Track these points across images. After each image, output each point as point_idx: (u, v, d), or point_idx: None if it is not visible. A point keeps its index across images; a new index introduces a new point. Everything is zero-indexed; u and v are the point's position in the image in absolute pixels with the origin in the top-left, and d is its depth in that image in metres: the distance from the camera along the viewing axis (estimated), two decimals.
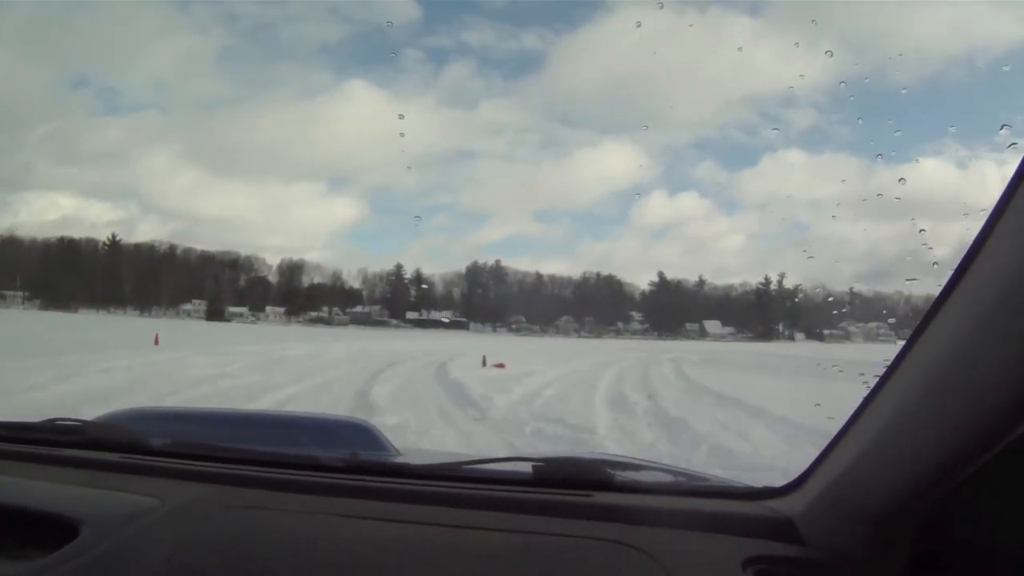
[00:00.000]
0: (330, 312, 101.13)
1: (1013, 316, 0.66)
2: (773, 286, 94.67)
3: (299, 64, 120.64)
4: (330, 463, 1.30)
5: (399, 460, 1.45)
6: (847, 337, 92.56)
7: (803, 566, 0.96)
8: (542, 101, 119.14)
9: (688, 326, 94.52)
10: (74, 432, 1.44)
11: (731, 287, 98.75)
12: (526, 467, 1.23)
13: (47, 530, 1.03)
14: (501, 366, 16.78)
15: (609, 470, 1.24)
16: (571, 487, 1.17)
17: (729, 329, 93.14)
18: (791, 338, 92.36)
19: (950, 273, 0.77)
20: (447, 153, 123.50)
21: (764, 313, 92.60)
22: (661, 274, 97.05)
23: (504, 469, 1.27)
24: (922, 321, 0.81)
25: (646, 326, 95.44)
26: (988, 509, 0.82)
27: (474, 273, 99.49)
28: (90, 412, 1.81)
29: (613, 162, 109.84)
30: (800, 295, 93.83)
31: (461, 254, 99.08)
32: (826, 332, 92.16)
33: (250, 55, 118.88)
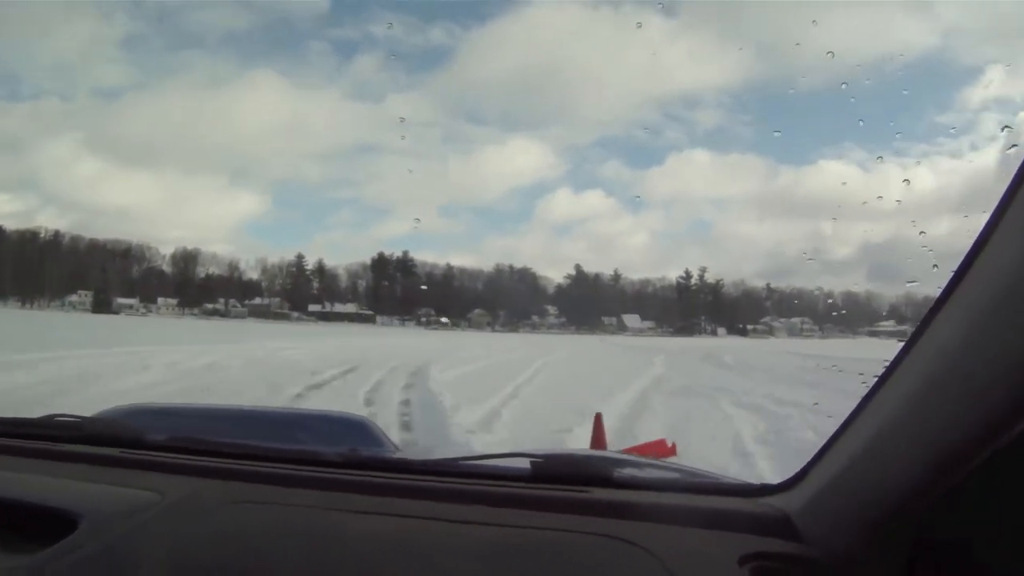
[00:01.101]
0: (226, 304, 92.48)
1: (1013, 316, 0.67)
2: (694, 280, 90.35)
3: (204, 52, 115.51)
4: (329, 458, 1.30)
5: (398, 456, 1.47)
6: (770, 332, 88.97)
7: (800, 563, 0.95)
8: (448, 96, 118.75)
9: (606, 320, 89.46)
10: (73, 428, 1.45)
11: (647, 281, 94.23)
12: (524, 463, 1.23)
13: (45, 524, 1.02)
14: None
15: (607, 466, 1.24)
16: (569, 483, 1.17)
17: (649, 323, 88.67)
18: (713, 333, 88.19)
19: (950, 274, 0.77)
20: (351, 147, 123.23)
21: (685, 307, 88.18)
22: (578, 267, 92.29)
23: (502, 465, 1.28)
24: (923, 320, 0.81)
25: (562, 320, 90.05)
26: (987, 507, 0.81)
27: (380, 264, 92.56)
28: None
29: (518, 159, 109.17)
30: (723, 288, 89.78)
31: (364, 249, 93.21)
32: (749, 327, 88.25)
33: (155, 42, 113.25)
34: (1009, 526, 0.81)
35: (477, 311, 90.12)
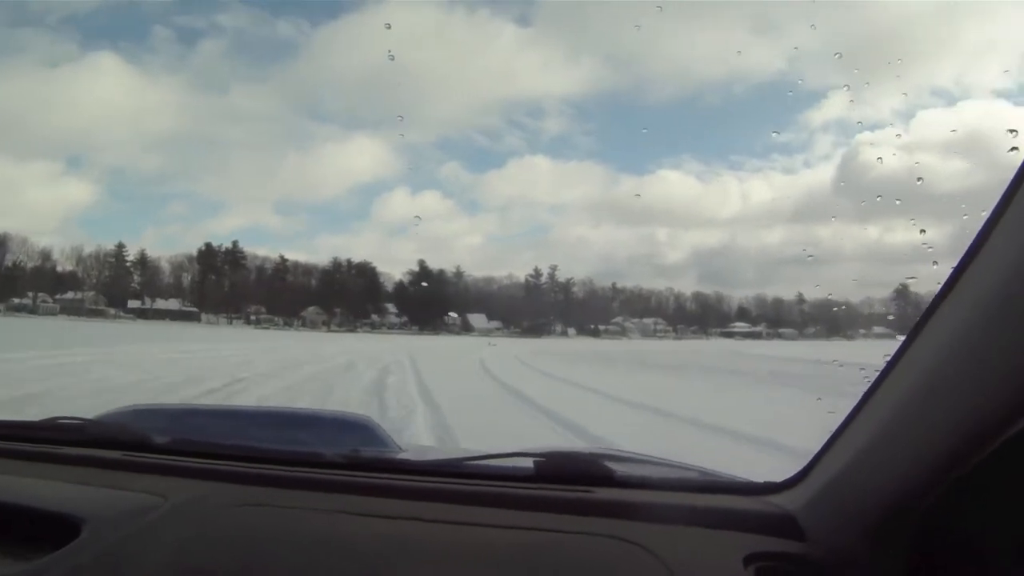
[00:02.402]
0: (35, 299, 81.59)
1: (1013, 314, 0.67)
2: (544, 279, 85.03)
3: (44, 31, 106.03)
4: (332, 459, 1.30)
5: (401, 456, 1.47)
6: (623, 333, 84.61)
7: (804, 562, 0.95)
8: (291, 91, 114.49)
9: (448, 319, 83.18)
10: (75, 430, 1.45)
11: (492, 279, 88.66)
12: (527, 463, 1.24)
13: (48, 528, 1.02)
14: None
15: (610, 465, 1.24)
16: (572, 483, 1.17)
17: (496, 323, 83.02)
18: (564, 334, 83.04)
19: (950, 271, 0.78)
20: (190, 138, 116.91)
21: (534, 307, 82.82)
22: (422, 262, 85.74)
23: (505, 465, 1.28)
24: (922, 317, 0.82)
25: (404, 319, 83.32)
26: (989, 505, 0.81)
27: (207, 256, 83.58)
28: None
29: (358, 157, 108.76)
30: (573, 287, 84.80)
31: (198, 244, 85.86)
32: (601, 328, 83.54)
33: None
34: (1011, 523, 0.80)
35: (312, 309, 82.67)
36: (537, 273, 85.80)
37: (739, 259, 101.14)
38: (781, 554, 0.96)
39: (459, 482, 1.21)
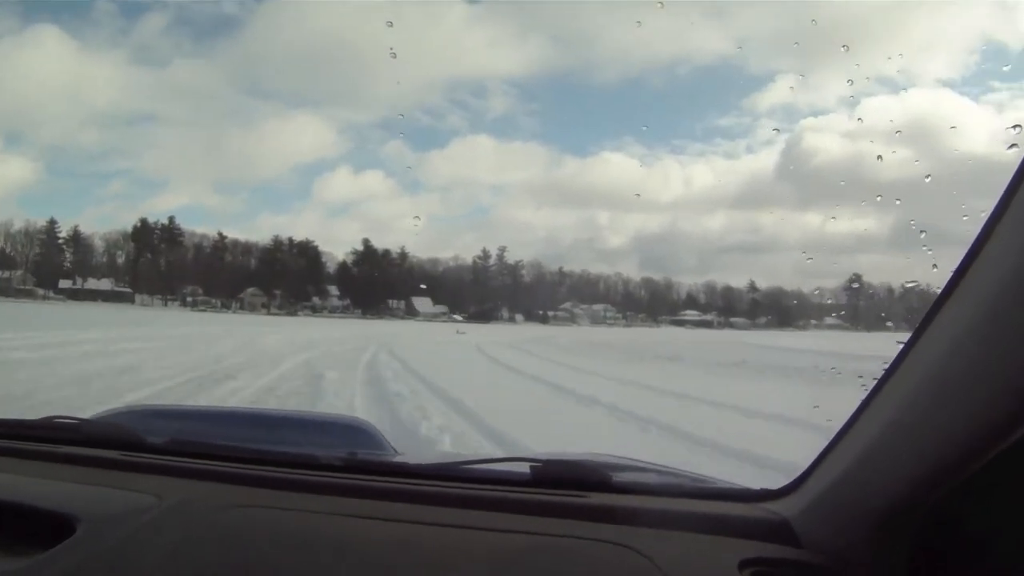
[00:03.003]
0: None
1: (1013, 316, 0.67)
2: (492, 261, 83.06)
3: None
4: (329, 462, 1.31)
5: (397, 460, 1.48)
6: (572, 319, 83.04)
7: (800, 569, 0.96)
8: (233, 68, 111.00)
9: (392, 303, 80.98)
10: (71, 430, 1.45)
11: (437, 260, 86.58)
12: (524, 467, 1.25)
13: (44, 527, 1.02)
14: None
15: (607, 471, 1.25)
16: (569, 488, 1.17)
17: (442, 308, 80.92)
18: (511, 320, 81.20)
19: (950, 274, 0.77)
20: (130, 114, 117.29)
21: (481, 291, 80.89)
22: (366, 241, 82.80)
23: (502, 469, 1.29)
24: (922, 321, 0.81)
25: (346, 302, 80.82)
26: (987, 512, 0.82)
27: (142, 234, 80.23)
28: None
29: (300, 136, 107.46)
30: (522, 270, 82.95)
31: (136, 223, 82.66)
32: (550, 314, 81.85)
33: None
34: (1010, 530, 0.80)
35: (251, 291, 79.97)
36: (485, 255, 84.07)
37: (681, 245, 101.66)
38: (777, 560, 0.96)
39: (456, 486, 1.20)
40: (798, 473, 1.10)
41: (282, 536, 1.03)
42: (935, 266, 1.36)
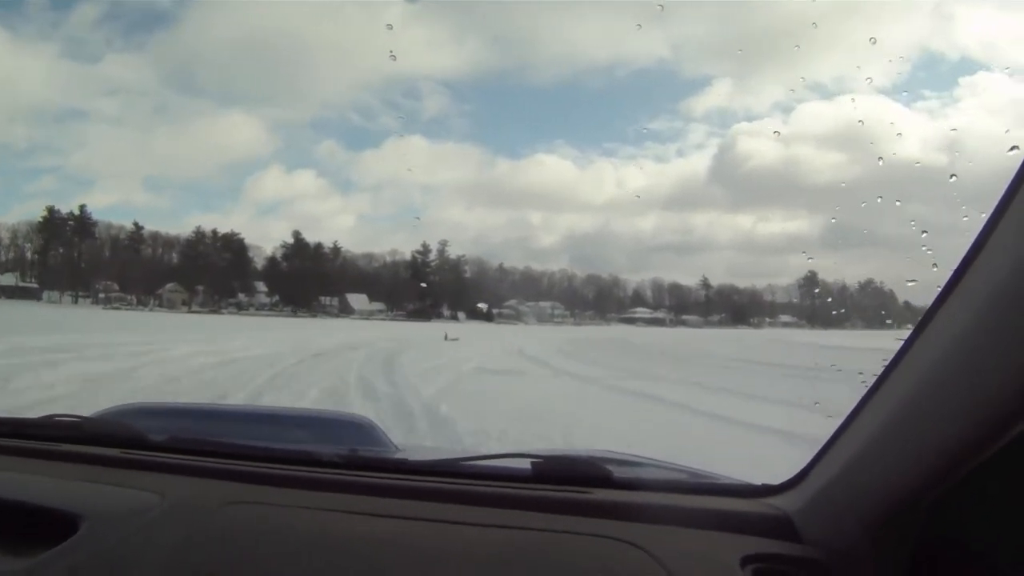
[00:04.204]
0: None
1: (1013, 315, 0.68)
2: (433, 256, 78.49)
3: None
4: (330, 459, 1.31)
5: (399, 456, 1.49)
6: (517, 317, 79.00)
7: (802, 564, 0.96)
8: (165, 63, 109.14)
9: (325, 300, 75.97)
10: (73, 428, 1.45)
11: (372, 255, 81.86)
12: (525, 463, 1.25)
13: (47, 525, 1.02)
14: None
15: (608, 467, 1.25)
16: (570, 483, 1.18)
17: (378, 305, 76.54)
18: (454, 317, 76.77)
19: (949, 273, 0.79)
20: (60, 110, 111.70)
21: (421, 288, 76.16)
22: (297, 234, 77.59)
23: (503, 465, 1.29)
24: (922, 319, 0.82)
25: (275, 299, 75.52)
26: (988, 507, 0.82)
27: (51, 225, 73.59)
28: None
29: (231, 134, 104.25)
30: (465, 266, 78.65)
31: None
32: (495, 311, 77.65)
33: None
34: (1010, 525, 0.81)
35: (170, 286, 74.26)
36: (425, 249, 79.67)
37: (613, 245, 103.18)
38: (778, 556, 0.96)
39: (456, 482, 1.21)
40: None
41: (284, 532, 1.03)
42: (935, 266, 1.37)
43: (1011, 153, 0.92)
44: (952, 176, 2.02)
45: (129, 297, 73.71)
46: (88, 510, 1.05)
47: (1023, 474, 0.75)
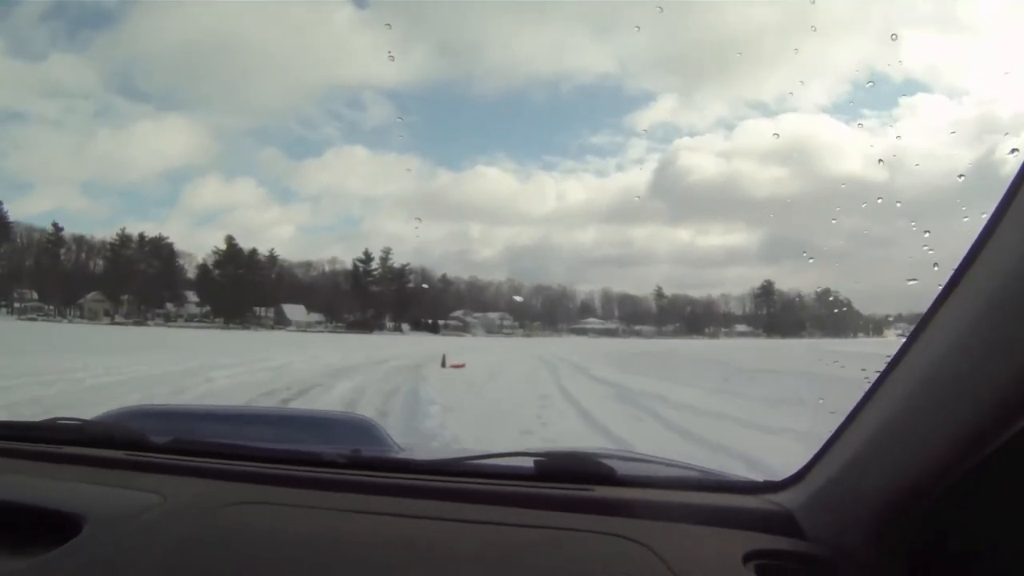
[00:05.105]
0: None
1: (1013, 315, 0.69)
2: (375, 265, 75.25)
3: None
4: (332, 459, 1.31)
5: (401, 456, 1.50)
6: (465, 328, 76.18)
7: (804, 560, 0.96)
8: (108, 66, 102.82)
9: (260, 311, 72.25)
10: (75, 431, 1.47)
11: (310, 264, 78.62)
12: (528, 462, 1.25)
13: (50, 526, 1.03)
14: None
15: (611, 464, 1.25)
16: (573, 481, 1.18)
17: (316, 316, 73.58)
18: (398, 329, 73.61)
19: (950, 273, 0.79)
20: None
21: (363, 297, 73.02)
22: (230, 239, 74.20)
23: (506, 464, 1.30)
24: (924, 318, 0.83)
25: (206, 309, 71.65)
26: (990, 503, 0.83)
27: None
28: None
29: (171, 140, 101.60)
30: (409, 275, 75.52)
31: None
32: (441, 323, 74.72)
33: None
34: (1012, 522, 0.82)
35: (92, 296, 70.00)
36: (367, 257, 76.73)
37: (552, 257, 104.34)
38: (781, 552, 0.97)
39: (460, 481, 1.21)
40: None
41: (287, 532, 1.03)
42: (936, 265, 1.41)
43: (1011, 156, 0.92)
44: (960, 176, 2.08)
45: (48, 307, 69.17)
46: (90, 511, 1.05)
47: (1023, 472, 0.75)
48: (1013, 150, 0.95)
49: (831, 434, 1.02)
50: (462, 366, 17.26)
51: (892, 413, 0.87)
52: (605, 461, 1.24)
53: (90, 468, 1.28)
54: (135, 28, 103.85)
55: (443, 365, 17.38)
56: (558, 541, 0.99)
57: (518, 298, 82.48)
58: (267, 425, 1.77)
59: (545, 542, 0.99)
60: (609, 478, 1.19)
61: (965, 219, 1.35)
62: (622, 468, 1.23)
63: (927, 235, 2.16)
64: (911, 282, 1.95)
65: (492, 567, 0.95)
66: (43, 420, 1.51)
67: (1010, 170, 0.72)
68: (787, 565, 0.95)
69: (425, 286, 79.99)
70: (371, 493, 1.16)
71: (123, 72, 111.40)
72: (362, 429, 1.63)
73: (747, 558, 0.94)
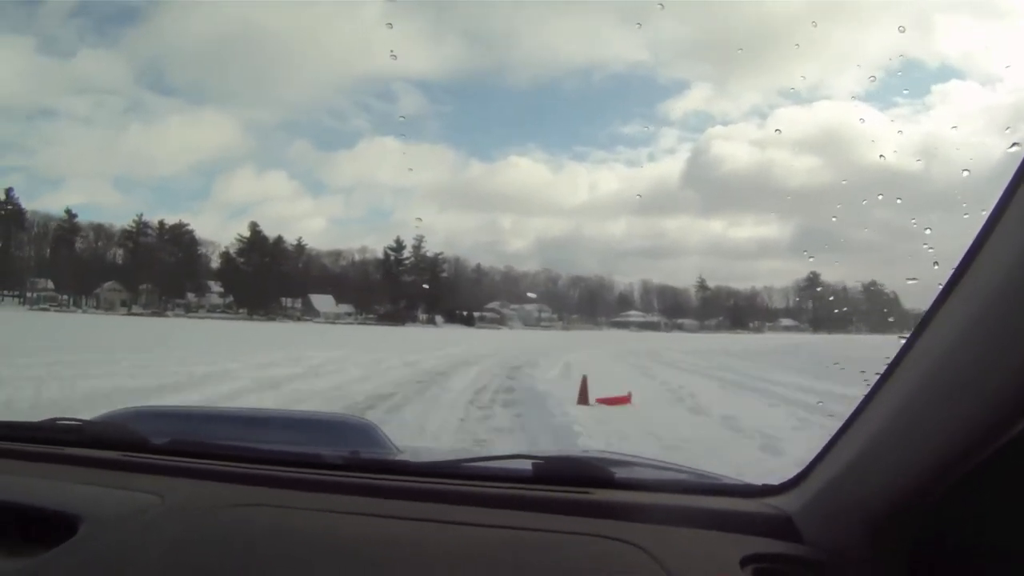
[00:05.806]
0: None
1: (1013, 314, 0.69)
2: (407, 254, 71.43)
3: None
4: (331, 461, 1.31)
5: (399, 458, 1.48)
6: (501, 321, 72.24)
7: (802, 564, 0.96)
8: (138, 61, 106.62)
9: (286, 302, 68.40)
10: (74, 431, 1.46)
11: (339, 253, 74.82)
12: (526, 464, 1.25)
13: (47, 527, 1.03)
14: None
15: (608, 467, 1.25)
16: (570, 484, 1.18)
17: (346, 307, 69.95)
18: (431, 321, 69.73)
19: (950, 272, 0.79)
20: (30, 109, 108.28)
21: (395, 288, 69.23)
22: (254, 225, 70.52)
23: (504, 466, 1.29)
24: (923, 319, 0.83)
25: (228, 299, 67.70)
26: (988, 507, 0.82)
27: None
28: None
29: (202, 134, 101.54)
30: (443, 264, 71.67)
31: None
32: (476, 315, 70.83)
33: None
34: (1010, 526, 0.81)
35: (108, 285, 66.20)
36: (399, 245, 72.84)
37: (584, 248, 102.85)
38: (779, 556, 0.97)
39: (458, 483, 1.22)
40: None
41: (284, 534, 1.03)
42: (936, 264, 1.38)
43: (1011, 150, 0.92)
44: (965, 171, 2.03)
45: (62, 297, 65.51)
46: (87, 512, 1.05)
47: (1023, 474, 0.75)
48: (1013, 145, 0.94)
49: (830, 438, 1.01)
50: (626, 400, 9.32)
51: (891, 417, 0.86)
52: (603, 464, 1.24)
53: (88, 469, 1.27)
54: (163, 23, 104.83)
55: (584, 401, 9.11)
56: (556, 544, 0.99)
57: (531, 295, 78.99)
58: (265, 427, 1.73)
59: (543, 545, 0.99)
60: (607, 481, 1.18)
61: (966, 216, 1.36)
62: (620, 471, 1.23)
63: (928, 232, 2.07)
64: (910, 281, 1.91)
65: (490, 569, 0.95)
66: (42, 421, 1.48)
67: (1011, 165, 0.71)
68: (785, 569, 0.95)
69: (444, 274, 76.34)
70: (369, 495, 1.15)
71: (152, 67, 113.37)
72: (360, 431, 1.60)
73: (745, 562, 0.94)
